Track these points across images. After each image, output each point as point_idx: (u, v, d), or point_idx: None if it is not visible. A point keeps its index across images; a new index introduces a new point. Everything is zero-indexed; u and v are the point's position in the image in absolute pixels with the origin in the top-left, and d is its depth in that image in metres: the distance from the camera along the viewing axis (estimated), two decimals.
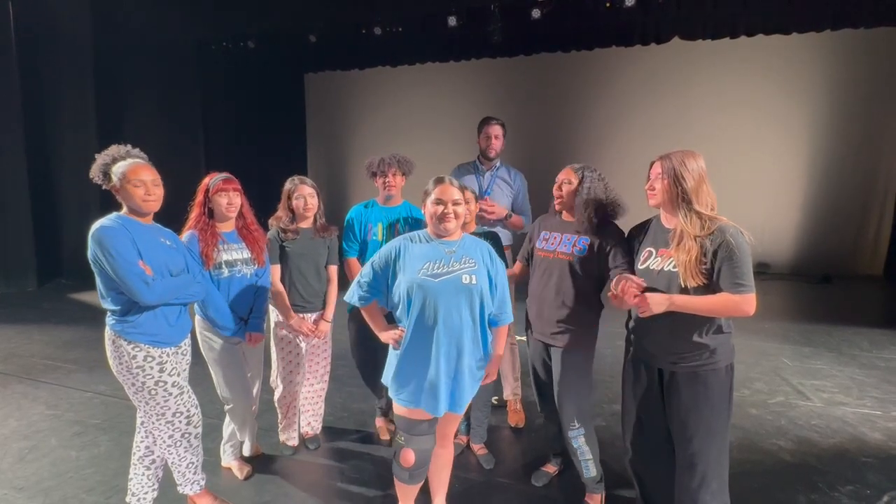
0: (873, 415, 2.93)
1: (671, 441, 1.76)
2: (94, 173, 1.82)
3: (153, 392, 1.84)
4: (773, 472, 2.39)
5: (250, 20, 6.70)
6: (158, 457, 2.04)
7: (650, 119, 7.07)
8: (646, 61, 6.90)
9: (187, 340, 1.99)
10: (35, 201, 6.07)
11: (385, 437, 2.69)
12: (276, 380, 2.50)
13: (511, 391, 2.91)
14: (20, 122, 5.90)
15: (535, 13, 5.95)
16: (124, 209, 1.84)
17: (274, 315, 2.46)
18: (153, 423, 1.90)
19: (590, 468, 2.08)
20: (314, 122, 9.21)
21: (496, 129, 2.80)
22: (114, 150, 1.84)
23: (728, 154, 6.57)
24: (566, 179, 2.02)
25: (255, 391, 2.38)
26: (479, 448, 2.55)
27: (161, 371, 1.84)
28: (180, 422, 1.91)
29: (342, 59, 7.64)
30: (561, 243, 2.03)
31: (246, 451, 2.48)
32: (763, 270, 6.88)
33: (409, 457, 1.76)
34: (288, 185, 2.42)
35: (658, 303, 1.59)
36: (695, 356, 1.65)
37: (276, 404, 2.55)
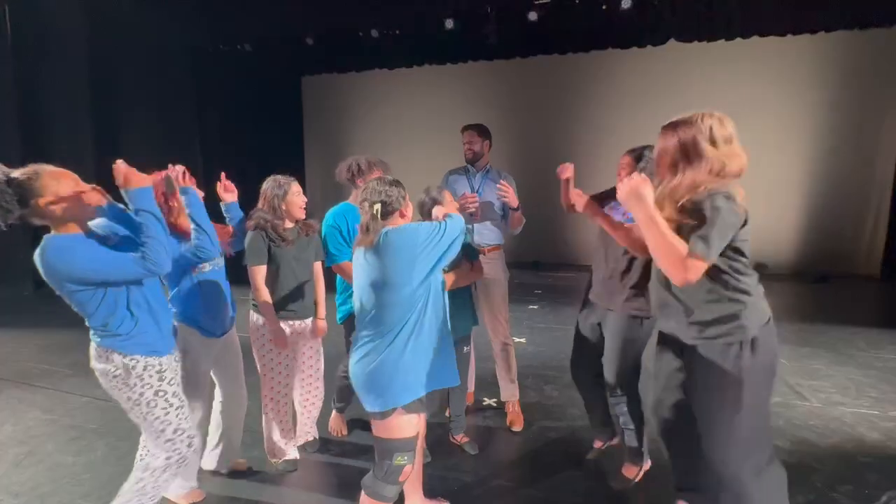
0: (871, 415, 2.94)
1: (692, 419, 1.66)
2: (3, 202, 1.47)
3: (152, 404, 1.71)
4: None
5: (246, 23, 6.71)
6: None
7: (647, 120, 6.98)
8: (642, 63, 6.92)
9: (173, 351, 1.86)
10: None
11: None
12: (266, 393, 2.36)
13: (509, 393, 2.91)
14: (17, 128, 5.88)
15: (532, 15, 5.98)
16: (55, 230, 1.58)
17: (255, 318, 2.32)
18: (153, 441, 1.76)
19: (632, 439, 2.16)
20: (311, 125, 9.22)
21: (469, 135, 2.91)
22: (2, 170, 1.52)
23: None
24: (623, 164, 2.07)
25: (243, 402, 2.33)
26: (461, 437, 2.60)
27: (161, 380, 1.73)
28: (182, 442, 1.76)
29: (339, 61, 7.67)
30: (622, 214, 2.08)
31: (209, 466, 2.32)
32: (760, 271, 6.85)
33: (409, 469, 1.72)
34: (274, 186, 2.27)
35: (631, 189, 1.45)
36: (713, 325, 1.51)
37: (268, 419, 2.40)
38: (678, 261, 1.39)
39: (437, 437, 2.63)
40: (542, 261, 7.46)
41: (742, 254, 1.52)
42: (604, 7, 5.87)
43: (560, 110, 7.59)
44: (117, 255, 1.58)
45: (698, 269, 1.39)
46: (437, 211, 1.96)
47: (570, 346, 2.41)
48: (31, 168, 1.56)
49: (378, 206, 1.65)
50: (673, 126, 1.55)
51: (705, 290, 1.52)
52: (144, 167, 1.93)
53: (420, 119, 8.24)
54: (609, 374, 2.14)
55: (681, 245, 1.41)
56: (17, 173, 1.53)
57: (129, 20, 6.48)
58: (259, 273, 2.24)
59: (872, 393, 3.22)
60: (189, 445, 1.79)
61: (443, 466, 2.44)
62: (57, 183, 1.55)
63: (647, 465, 2.27)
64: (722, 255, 1.47)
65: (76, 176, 1.62)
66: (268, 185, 2.30)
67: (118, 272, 1.58)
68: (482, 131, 2.91)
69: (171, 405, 1.74)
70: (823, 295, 5.94)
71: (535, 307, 5.30)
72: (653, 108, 7.26)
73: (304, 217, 2.36)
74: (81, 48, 6.24)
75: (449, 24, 6.15)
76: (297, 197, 2.30)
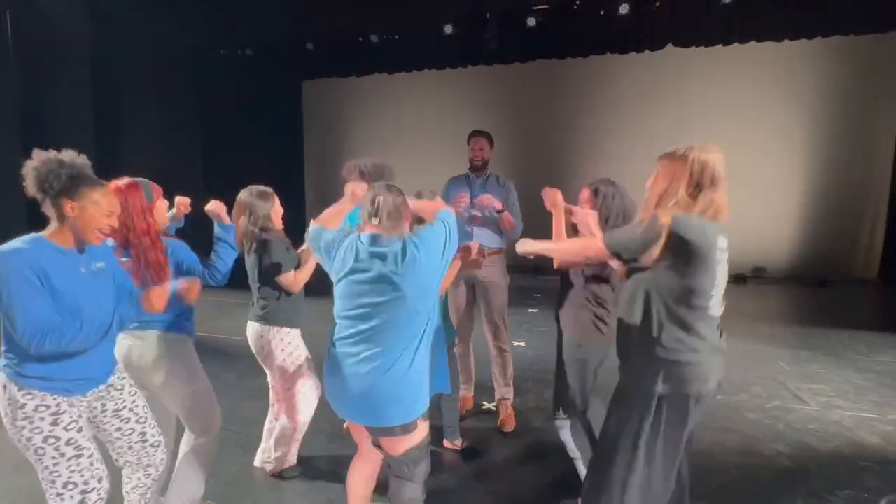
0: (870, 418, 2.94)
1: None
2: (48, 181, 1.44)
3: (41, 451, 1.46)
4: (772, 476, 2.39)
5: (247, 29, 6.75)
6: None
7: (645, 125, 7.12)
8: (640, 68, 6.96)
9: (112, 381, 1.64)
10: (31, 209, 6.04)
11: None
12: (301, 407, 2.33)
13: (502, 394, 2.92)
14: (19, 132, 5.90)
15: (531, 21, 6.02)
16: (52, 229, 1.49)
17: (265, 328, 2.25)
18: (46, 490, 1.50)
19: (578, 468, 2.13)
20: (311, 129, 9.24)
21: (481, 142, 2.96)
22: (70, 156, 1.48)
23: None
24: (582, 199, 2.11)
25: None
26: (459, 443, 2.60)
27: (54, 424, 1.46)
28: (72, 498, 1.48)
29: (339, 66, 7.70)
30: None
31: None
32: (759, 274, 6.92)
33: None
34: (257, 197, 2.21)
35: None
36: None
37: (291, 433, 2.38)
38: (583, 244, 1.74)
39: (434, 441, 2.63)
40: (542, 265, 7.46)
41: (686, 304, 1.49)
42: (602, 12, 5.91)
43: (559, 115, 7.61)
44: (30, 304, 1.38)
45: (595, 246, 1.62)
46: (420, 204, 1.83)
47: None
48: (101, 180, 1.52)
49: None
50: (668, 157, 1.58)
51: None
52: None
53: (420, 123, 8.27)
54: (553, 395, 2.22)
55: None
56: (87, 169, 1.50)
57: (131, 25, 6.52)
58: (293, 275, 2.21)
59: (871, 396, 3.22)
60: (82, 502, 1.50)
61: (440, 470, 2.44)
62: (98, 199, 1.47)
63: None
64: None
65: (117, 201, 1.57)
66: (249, 196, 2.22)
67: (19, 315, 1.37)
68: (490, 139, 2.97)
69: (62, 455, 1.47)
70: (823, 298, 5.95)
71: (534, 311, 5.31)
72: (651, 113, 7.31)
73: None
74: (84, 52, 6.26)
75: (448, 29, 6.19)
76: (279, 207, 2.29)
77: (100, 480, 1.54)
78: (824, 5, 5.48)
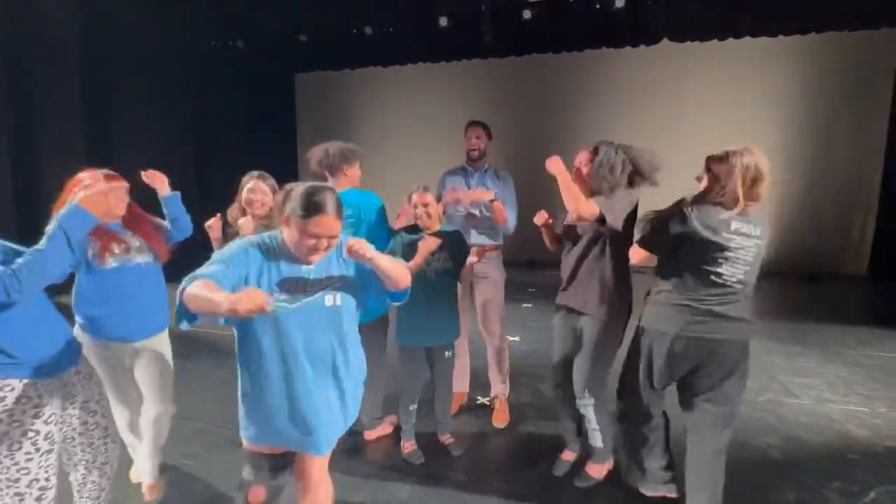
0: (859, 412, 2.98)
1: None
2: None
3: (15, 447, 1.33)
4: (762, 469, 2.42)
5: (239, 20, 6.65)
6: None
7: (640, 119, 7.13)
8: (636, 62, 6.96)
9: (80, 366, 1.56)
10: (21, 206, 5.95)
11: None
12: None
13: (498, 390, 2.93)
14: (6, 126, 5.79)
15: (526, 14, 5.99)
16: None
17: None
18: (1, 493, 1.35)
19: (596, 439, 2.19)
20: (305, 123, 9.17)
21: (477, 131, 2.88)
22: None
23: None
24: (583, 160, 2.13)
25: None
26: (446, 439, 2.61)
27: (36, 416, 1.35)
28: (30, 495, 1.35)
29: (333, 59, 7.62)
30: None
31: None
32: None
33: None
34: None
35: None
36: None
37: None
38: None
39: (428, 439, 2.65)
40: (537, 259, 7.49)
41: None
42: (598, 6, 5.89)
43: (554, 108, 7.61)
44: None
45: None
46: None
47: None
48: None
49: None
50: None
51: None
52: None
53: (414, 117, 8.23)
54: (578, 378, 2.18)
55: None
56: None
57: (121, 17, 6.41)
58: None
59: (861, 390, 3.27)
60: (39, 500, 1.37)
61: (434, 465, 2.45)
62: None
63: (610, 464, 2.29)
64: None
65: None
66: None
67: None
68: (488, 129, 2.88)
69: (38, 450, 1.36)
70: (813, 294, 6.01)
71: (528, 305, 5.32)
72: (647, 107, 7.32)
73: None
74: (73, 45, 6.16)
75: (443, 22, 6.15)
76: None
77: (56, 477, 1.45)
78: (819, 2, 5.50)
